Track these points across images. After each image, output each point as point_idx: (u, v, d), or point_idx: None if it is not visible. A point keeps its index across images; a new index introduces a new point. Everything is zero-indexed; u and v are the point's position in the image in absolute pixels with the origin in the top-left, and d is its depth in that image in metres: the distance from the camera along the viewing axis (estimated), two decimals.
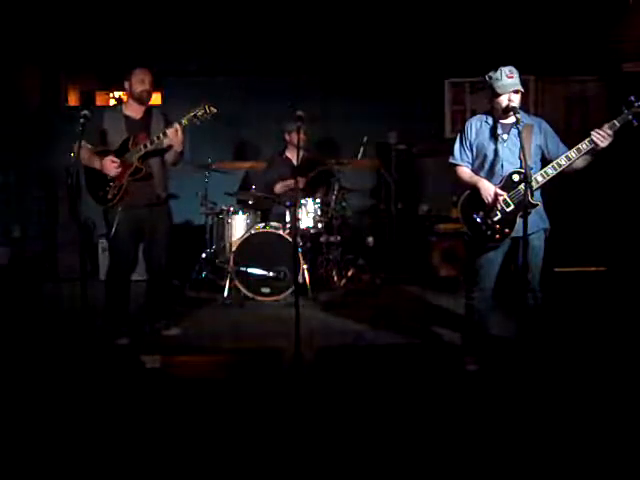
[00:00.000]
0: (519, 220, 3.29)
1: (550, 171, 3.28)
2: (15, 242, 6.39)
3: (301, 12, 6.35)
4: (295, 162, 5.72)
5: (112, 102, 7.09)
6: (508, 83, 3.27)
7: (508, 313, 3.98)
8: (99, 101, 7.19)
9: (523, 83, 3.34)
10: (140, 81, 4.13)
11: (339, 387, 3.32)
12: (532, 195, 3.24)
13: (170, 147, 4.15)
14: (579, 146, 3.24)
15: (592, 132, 3.19)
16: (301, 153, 4.27)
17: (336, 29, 6.48)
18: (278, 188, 5.87)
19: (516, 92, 3.29)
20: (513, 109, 3.24)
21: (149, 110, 4.26)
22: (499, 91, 3.29)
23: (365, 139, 5.95)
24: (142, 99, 4.18)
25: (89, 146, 4.05)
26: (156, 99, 7.08)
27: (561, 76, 6.71)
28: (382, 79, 6.81)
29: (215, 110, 4.03)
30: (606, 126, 3.19)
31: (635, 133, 3.23)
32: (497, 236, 3.38)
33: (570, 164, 3.27)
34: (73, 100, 7.15)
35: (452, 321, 4.48)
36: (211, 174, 5.86)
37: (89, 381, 3.31)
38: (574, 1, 6.24)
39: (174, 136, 4.01)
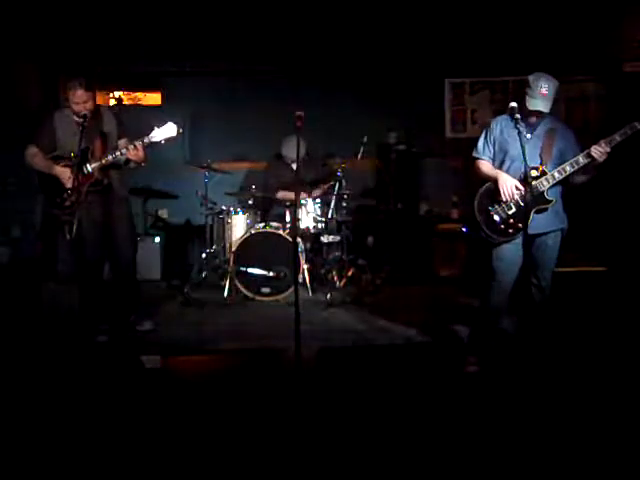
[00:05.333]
0: (533, 216, 3.34)
1: (568, 168, 3.32)
2: (15, 242, 6.38)
3: (301, 12, 6.35)
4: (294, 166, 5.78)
5: (112, 102, 7.08)
6: (536, 101, 3.28)
7: (515, 312, 3.98)
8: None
9: (557, 92, 3.36)
10: (75, 104, 4.00)
11: (339, 387, 3.32)
12: (547, 192, 3.32)
13: (130, 160, 4.13)
14: (586, 152, 3.28)
15: (592, 148, 3.23)
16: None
17: (336, 29, 6.47)
18: (280, 195, 5.89)
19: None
20: (512, 109, 3.25)
21: (97, 110, 4.17)
22: (529, 106, 3.30)
23: (365, 139, 5.95)
24: (80, 116, 3.98)
25: (39, 152, 4.08)
26: (156, 99, 7.08)
27: (561, 76, 6.69)
28: (382, 79, 6.81)
29: (181, 131, 4.04)
30: (603, 142, 3.22)
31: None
32: (510, 230, 3.41)
33: (575, 170, 3.30)
34: None
35: (451, 321, 4.48)
36: (211, 174, 5.86)
37: (89, 381, 3.32)
38: (574, 1, 6.24)
39: (134, 155, 4.01)
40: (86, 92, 4.01)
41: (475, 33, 6.40)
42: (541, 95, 3.29)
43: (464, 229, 3.53)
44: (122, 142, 4.16)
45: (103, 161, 4.01)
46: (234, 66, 6.76)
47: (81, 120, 3.86)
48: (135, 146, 3.97)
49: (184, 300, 5.42)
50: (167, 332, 4.51)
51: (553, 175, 3.33)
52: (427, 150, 6.82)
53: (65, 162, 4.06)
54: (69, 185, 3.99)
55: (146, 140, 3.99)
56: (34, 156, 4.12)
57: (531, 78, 3.34)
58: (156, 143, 4.03)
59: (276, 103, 6.41)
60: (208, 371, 3.69)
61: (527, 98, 3.32)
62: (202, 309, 5.23)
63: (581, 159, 3.29)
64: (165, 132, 4.01)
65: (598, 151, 3.21)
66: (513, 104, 3.27)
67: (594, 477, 2.45)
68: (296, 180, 4.84)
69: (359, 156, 5.97)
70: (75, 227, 3.96)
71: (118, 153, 4.00)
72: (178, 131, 4.03)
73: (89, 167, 4.02)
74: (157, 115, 5.99)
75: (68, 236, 3.98)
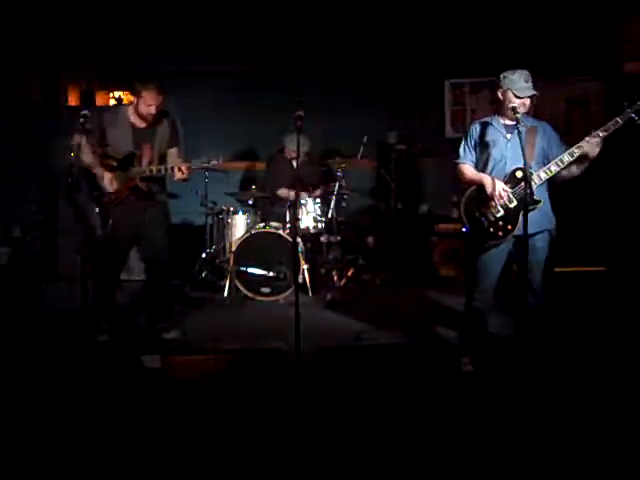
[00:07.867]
0: (522, 217, 3.30)
1: (554, 168, 3.30)
2: (15, 242, 6.39)
3: (301, 12, 6.35)
4: (295, 163, 5.77)
5: (112, 102, 7.09)
6: (525, 87, 3.31)
7: (508, 313, 3.97)
8: (99, 101, 7.18)
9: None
10: (147, 106, 4.02)
11: (339, 387, 3.32)
12: (533, 193, 3.25)
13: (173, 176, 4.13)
14: (581, 144, 3.26)
15: (585, 139, 3.23)
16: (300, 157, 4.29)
17: (336, 29, 6.48)
18: (282, 192, 5.86)
19: (531, 97, 3.35)
20: (513, 109, 3.24)
21: (158, 116, 4.16)
22: (519, 94, 3.32)
23: (365, 139, 5.95)
24: (147, 120, 4.09)
25: (88, 146, 3.99)
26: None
27: (561, 76, 6.72)
28: (382, 79, 6.82)
29: (221, 161, 4.13)
30: (594, 133, 3.22)
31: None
32: (500, 233, 3.38)
33: (572, 162, 3.28)
34: (73, 100, 7.14)
35: (452, 321, 4.48)
36: (211, 174, 5.86)
37: (89, 381, 3.32)
38: (574, 1, 6.24)
39: (180, 175, 4.01)
40: (159, 95, 4.06)
41: (475, 33, 6.41)
42: (526, 82, 3.31)
43: (464, 229, 3.52)
44: (173, 152, 4.18)
45: (147, 171, 4.02)
46: (234, 66, 6.76)
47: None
48: (181, 169, 3.98)
49: (184, 300, 5.42)
50: (167, 335, 4.49)
51: (539, 175, 3.31)
52: (427, 150, 6.83)
53: (110, 162, 4.05)
54: (109, 190, 4.01)
55: (195, 165, 4.06)
56: (83, 147, 3.92)
57: (506, 74, 3.36)
58: (202, 168, 4.22)
59: (276, 103, 6.42)
60: (208, 371, 3.68)
61: (510, 94, 3.33)
62: (202, 309, 5.24)
63: (566, 157, 3.27)
64: (211, 162, 4.10)
65: (590, 143, 3.20)
66: (514, 104, 3.27)
67: (592, 476, 2.46)
68: (296, 178, 4.83)
69: (359, 156, 5.98)
70: (110, 225, 3.96)
71: (163, 170, 4.02)
72: (219, 163, 4.15)
73: (132, 172, 4.02)
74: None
75: (100, 232, 3.97)
